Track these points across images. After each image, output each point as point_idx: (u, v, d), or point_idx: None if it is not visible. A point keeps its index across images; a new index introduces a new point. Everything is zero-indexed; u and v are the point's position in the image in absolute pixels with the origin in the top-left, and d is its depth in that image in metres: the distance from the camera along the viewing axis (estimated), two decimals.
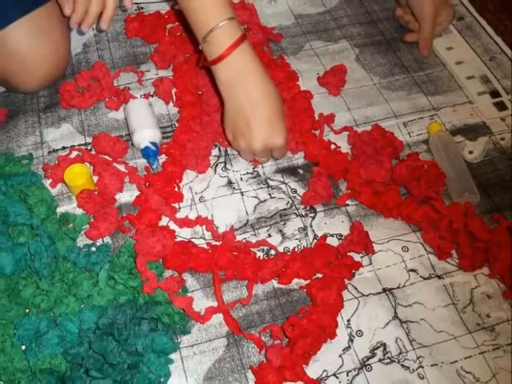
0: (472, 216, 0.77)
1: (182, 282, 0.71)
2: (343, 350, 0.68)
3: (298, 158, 0.87)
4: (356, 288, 0.73)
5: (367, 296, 0.72)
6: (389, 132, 0.88)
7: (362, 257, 0.76)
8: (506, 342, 0.69)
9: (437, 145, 0.87)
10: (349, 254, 0.75)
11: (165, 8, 1.05)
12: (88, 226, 0.76)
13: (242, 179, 0.84)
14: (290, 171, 0.85)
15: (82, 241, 0.76)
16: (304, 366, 0.66)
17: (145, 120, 0.84)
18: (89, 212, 0.77)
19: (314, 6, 1.11)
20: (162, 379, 0.64)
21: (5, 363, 0.64)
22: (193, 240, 0.76)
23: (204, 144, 0.84)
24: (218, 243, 0.76)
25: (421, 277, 0.74)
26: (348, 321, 0.70)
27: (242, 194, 0.82)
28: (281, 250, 0.76)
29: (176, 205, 0.80)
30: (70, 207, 0.79)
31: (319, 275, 0.73)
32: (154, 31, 1.00)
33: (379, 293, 0.73)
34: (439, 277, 0.75)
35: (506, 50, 1.03)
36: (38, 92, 0.92)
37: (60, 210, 0.79)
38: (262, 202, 0.81)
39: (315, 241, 0.77)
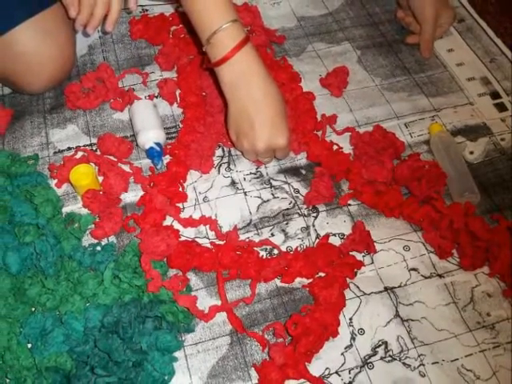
0: (472, 216, 0.77)
1: (186, 281, 0.71)
2: (345, 348, 0.69)
3: (301, 159, 0.87)
4: (358, 287, 0.73)
5: (369, 295, 0.73)
6: (390, 133, 0.88)
7: (363, 256, 0.76)
8: (506, 340, 0.70)
9: (438, 145, 0.87)
10: (351, 253, 0.76)
11: (169, 10, 1.05)
12: (93, 225, 0.77)
13: (245, 179, 0.84)
14: (293, 171, 0.86)
15: (87, 240, 0.76)
16: (306, 363, 0.66)
17: (149, 121, 0.85)
18: (94, 212, 0.78)
19: (316, 9, 1.11)
20: (166, 377, 0.65)
21: (11, 361, 0.65)
22: (197, 239, 0.77)
23: (208, 144, 0.85)
24: (221, 242, 0.76)
25: (422, 276, 0.75)
26: (350, 319, 0.71)
27: (245, 193, 0.83)
28: (284, 249, 0.77)
29: (180, 205, 0.80)
30: (75, 207, 0.80)
31: (322, 274, 0.74)
32: (159, 33, 1.00)
33: (381, 291, 0.73)
34: (440, 276, 0.75)
35: (506, 51, 1.04)
36: (44, 93, 0.93)
37: (65, 209, 0.79)
38: (265, 201, 0.82)
39: (317, 240, 0.78)
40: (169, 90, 0.92)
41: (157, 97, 0.93)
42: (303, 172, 0.86)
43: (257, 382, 0.66)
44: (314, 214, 0.81)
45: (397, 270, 0.75)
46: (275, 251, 0.77)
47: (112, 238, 0.77)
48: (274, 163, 0.86)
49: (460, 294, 0.74)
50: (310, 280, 0.73)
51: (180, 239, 0.75)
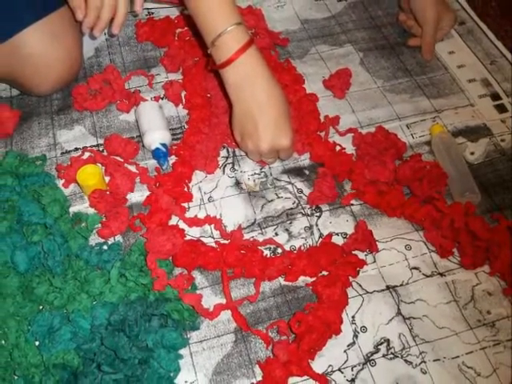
0: (473, 215, 0.78)
1: (191, 280, 0.72)
2: (348, 345, 0.69)
3: (304, 159, 0.88)
4: (360, 285, 0.74)
5: (371, 293, 0.73)
6: (392, 133, 0.88)
7: (366, 255, 0.77)
8: (506, 338, 0.70)
9: (439, 146, 0.88)
10: (353, 252, 0.76)
11: (174, 13, 1.06)
12: (100, 225, 0.77)
13: (249, 179, 0.85)
14: (296, 172, 0.86)
15: (94, 239, 0.77)
16: (310, 361, 0.67)
17: (155, 122, 0.85)
18: (101, 211, 0.78)
19: (319, 12, 1.12)
20: (171, 374, 0.65)
21: (19, 358, 0.65)
22: (202, 239, 0.77)
23: (213, 145, 0.85)
24: (226, 242, 0.77)
25: (423, 274, 0.75)
26: (353, 317, 0.71)
27: (249, 193, 0.83)
28: (287, 248, 0.77)
29: (185, 204, 0.81)
30: (82, 207, 0.80)
31: (325, 273, 0.74)
32: (164, 36, 1.01)
33: (383, 290, 0.74)
34: (441, 274, 0.76)
35: (506, 53, 1.05)
36: (52, 95, 0.93)
37: (73, 209, 0.80)
38: (269, 201, 0.83)
39: (321, 239, 0.78)
40: (174, 92, 0.93)
41: (162, 98, 0.94)
42: (306, 172, 0.86)
43: (261, 378, 0.66)
44: (317, 214, 0.81)
45: (399, 269, 0.76)
46: (279, 250, 0.77)
47: (118, 238, 0.77)
48: (277, 164, 0.87)
49: (461, 293, 0.74)
50: (314, 279, 0.74)
51: (185, 238, 0.76)
